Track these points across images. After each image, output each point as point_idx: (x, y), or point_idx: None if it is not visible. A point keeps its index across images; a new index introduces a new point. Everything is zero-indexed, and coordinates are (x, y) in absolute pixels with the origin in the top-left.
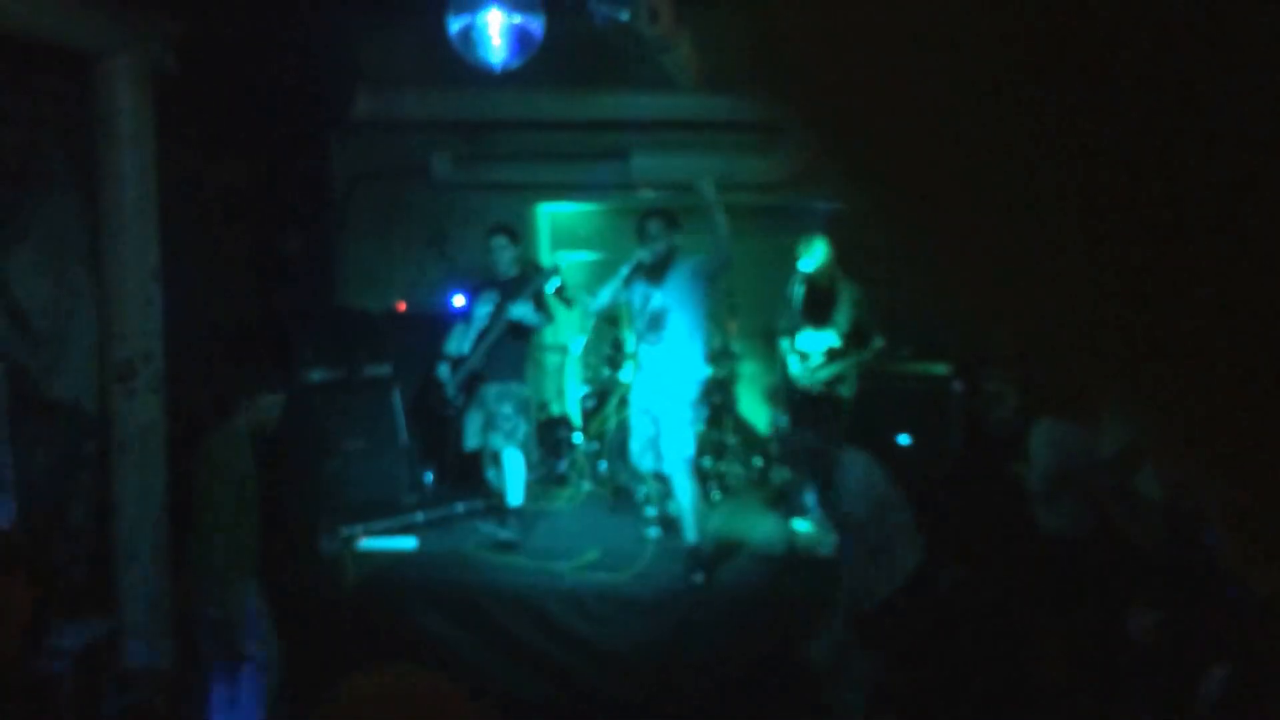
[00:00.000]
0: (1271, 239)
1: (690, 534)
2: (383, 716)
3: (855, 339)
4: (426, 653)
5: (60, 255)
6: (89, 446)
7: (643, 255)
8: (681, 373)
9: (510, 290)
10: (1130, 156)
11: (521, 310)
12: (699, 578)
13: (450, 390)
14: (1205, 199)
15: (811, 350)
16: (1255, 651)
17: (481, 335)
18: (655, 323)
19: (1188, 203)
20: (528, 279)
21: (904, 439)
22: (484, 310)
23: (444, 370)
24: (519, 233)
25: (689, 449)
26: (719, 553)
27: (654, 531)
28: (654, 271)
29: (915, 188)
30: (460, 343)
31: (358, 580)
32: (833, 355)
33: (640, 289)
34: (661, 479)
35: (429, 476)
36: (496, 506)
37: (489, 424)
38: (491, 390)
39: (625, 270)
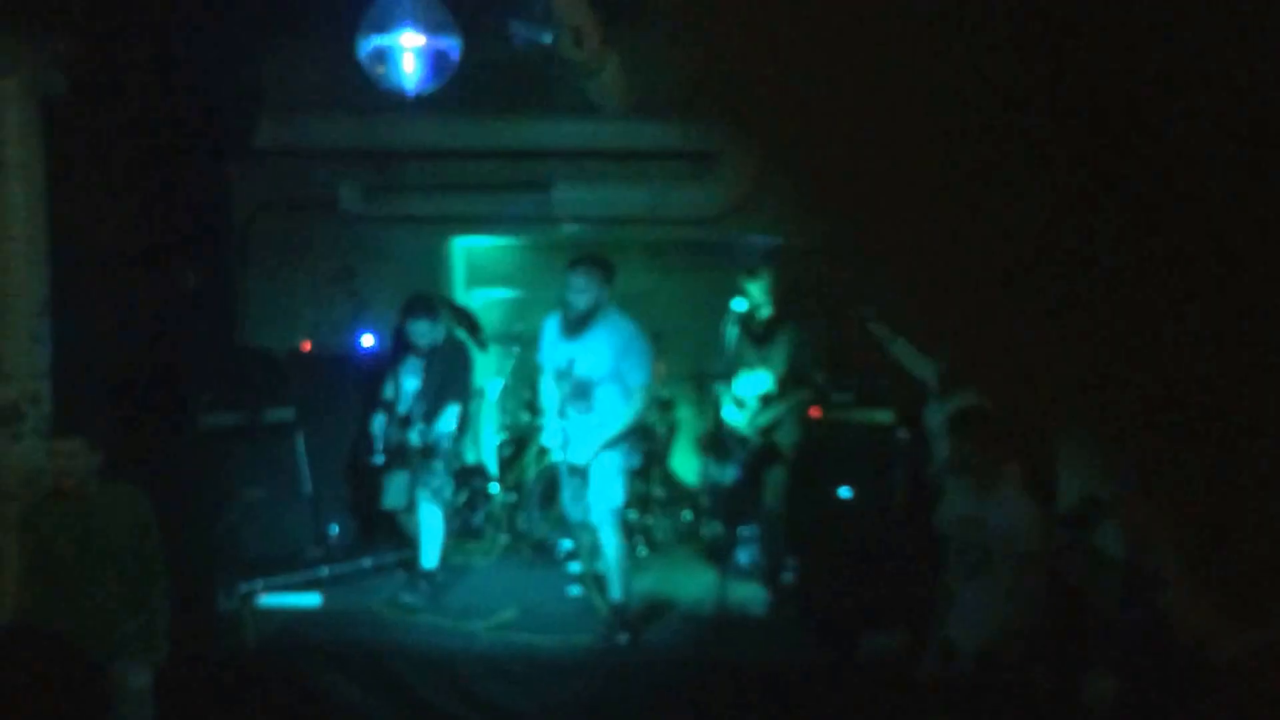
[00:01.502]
0: (1236, 296)
1: (615, 591)
2: None
3: (791, 382)
4: (331, 718)
5: None
6: None
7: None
8: (606, 432)
9: (436, 364)
10: (1093, 192)
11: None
12: (623, 638)
13: (378, 447)
14: (1171, 248)
15: (747, 395)
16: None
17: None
18: (582, 392)
19: (1152, 248)
20: (454, 356)
21: (846, 491)
22: (411, 384)
23: (379, 422)
24: (437, 306)
25: (617, 499)
26: (646, 612)
27: (576, 590)
28: (574, 328)
29: (866, 219)
30: (394, 391)
31: (257, 639)
32: (768, 400)
33: (560, 348)
34: (590, 529)
35: (334, 528)
36: (409, 563)
37: (414, 479)
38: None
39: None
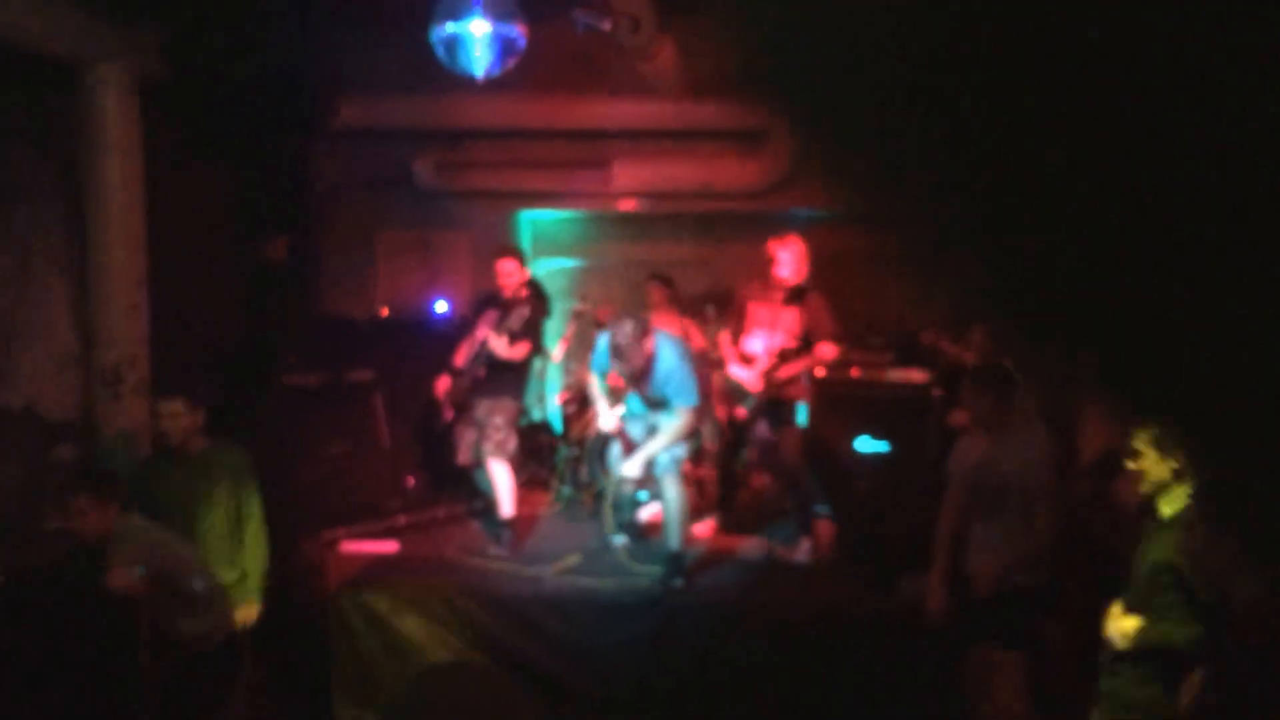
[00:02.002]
0: (1258, 258)
1: (673, 540)
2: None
3: (806, 341)
4: (406, 656)
5: (27, 263)
6: (63, 452)
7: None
8: (655, 444)
9: (508, 313)
10: (1121, 169)
11: (499, 345)
12: (679, 582)
13: (445, 407)
14: (1198, 215)
15: (759, 351)
16: (1232, 656)
17: (474, 359)
18: (654, 405)
19: (1180, 218)
20: (524, 305)
21: (883, 445)
22: (483, 332)
23: (444, 386)
24: (526, 256)
25: (679, 450)
26: (699, 558)
27: (619, 538)
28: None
29: (902, 194)
30: (464, 357)
31: (339, 583)
32: (785, 356)
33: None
34: (642, 484)
35: (410, 480)
36: (487, 512)
37: (480, 435)
38: (484, 404)
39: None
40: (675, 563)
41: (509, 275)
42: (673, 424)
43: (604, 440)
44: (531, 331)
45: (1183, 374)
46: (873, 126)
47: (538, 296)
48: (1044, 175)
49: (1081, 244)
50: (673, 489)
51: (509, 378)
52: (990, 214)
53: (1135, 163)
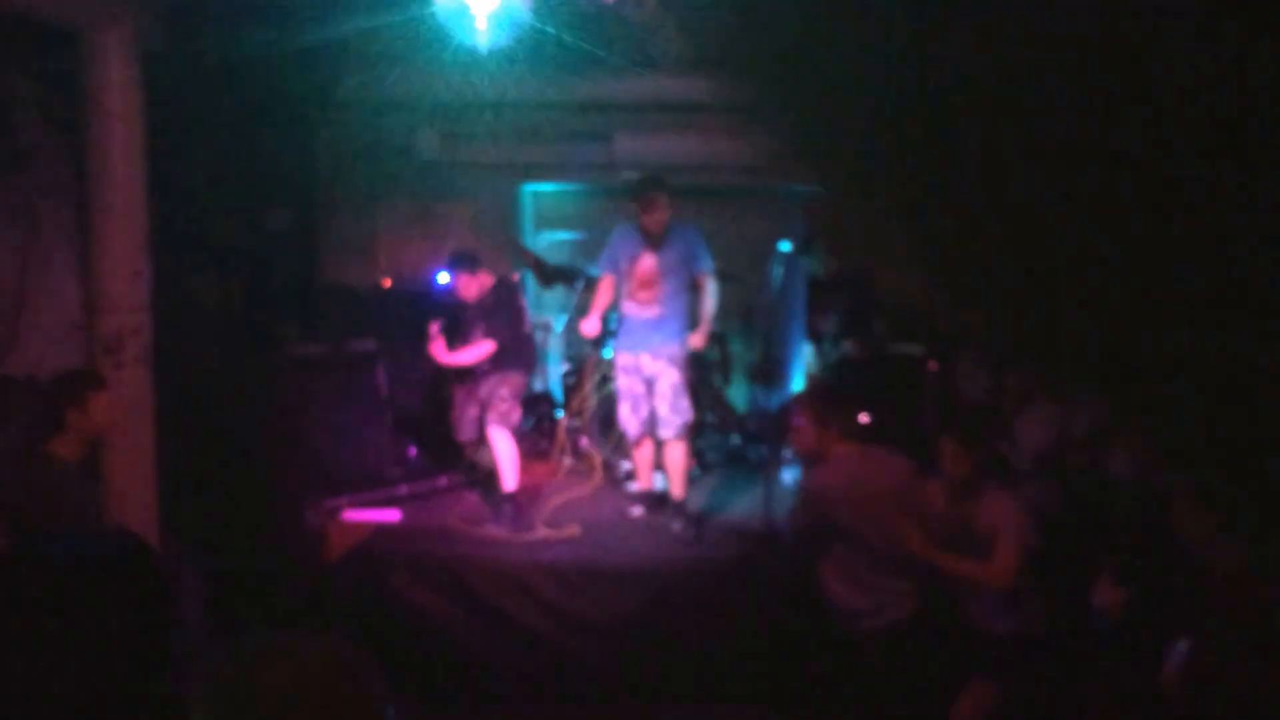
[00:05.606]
0: (1240, 238)
1: (679, 489)
2: (272, 680)
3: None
4: (409, 624)
5: (29, 230)
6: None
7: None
8: (670, 333)
9: (488, 310)
10: (1110, 152)
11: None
12: (690, 530)
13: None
14: (1181, 202)
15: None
16: (1217, 626)
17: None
18: (646, 284)
19: (1165, 202)
20: (496, 299)
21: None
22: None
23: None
24: (478, 260)
25: (688, 414)
26: (701, 523)
27: (635, 510)
28: (653, 240)
29: (895, 174)
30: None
31: (341, 551)
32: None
33: (630, 249)
34: (650, 443)
35: (412, 450)
36: (487, 485)
37: (485, 406)
38: (491, 379)
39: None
40: (681, 510)
41: (465, 287)
42: (711, 296)
43: (606, 410)
44: (498, 332)
45: (1170, 349)
46: (863, 103)
47: (498, 294)
48: (1031, 153)
49: (1077, 226)
50: (680, 447)
51: (517, 352)
52: (991, 196)
53: (1127, 154)
